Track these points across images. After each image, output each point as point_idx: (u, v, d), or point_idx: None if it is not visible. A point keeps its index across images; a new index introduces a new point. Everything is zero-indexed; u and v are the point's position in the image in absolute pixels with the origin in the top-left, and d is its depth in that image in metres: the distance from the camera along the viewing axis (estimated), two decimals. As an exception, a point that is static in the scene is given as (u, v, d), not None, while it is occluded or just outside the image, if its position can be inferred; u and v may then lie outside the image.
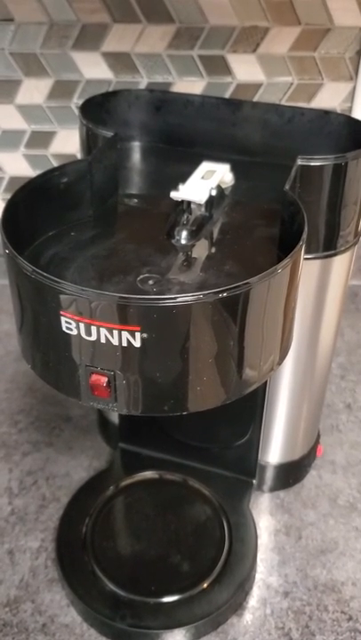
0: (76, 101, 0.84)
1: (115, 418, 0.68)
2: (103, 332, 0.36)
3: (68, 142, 0.87)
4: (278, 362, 0.43)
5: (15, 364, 0.83)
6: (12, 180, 0.90)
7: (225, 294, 0.35)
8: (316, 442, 0.69)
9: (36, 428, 0.74)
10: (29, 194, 0.44)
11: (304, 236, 0.40)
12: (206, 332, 0.37)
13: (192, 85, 0.83)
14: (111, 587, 0.56)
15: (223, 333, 0.37)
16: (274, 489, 0.67)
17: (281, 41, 0.81)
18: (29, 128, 0.86)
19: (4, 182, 0.91)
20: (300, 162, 0.46)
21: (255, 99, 0.84)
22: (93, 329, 0.36)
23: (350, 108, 0.85)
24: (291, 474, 0.67)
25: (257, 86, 0.84)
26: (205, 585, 0.57)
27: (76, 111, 0.62)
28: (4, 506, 0.65)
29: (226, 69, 0.83)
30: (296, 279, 0.41)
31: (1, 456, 0.70)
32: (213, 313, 0.36)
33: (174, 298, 0.34)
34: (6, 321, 0.90)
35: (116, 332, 0.35)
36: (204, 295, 0.35)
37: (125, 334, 0.35)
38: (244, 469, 0.66)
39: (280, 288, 0.39)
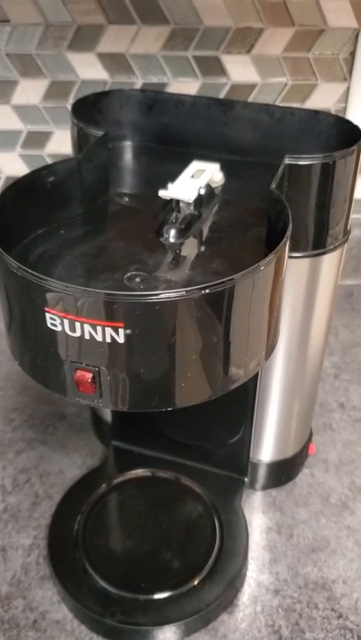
0: (72, 102, 0.85)
1: (108, 416, 0.69)
2: (87, 328, 0.36)
3: (63, 142, 0.88)
4: (265, 358, 0.43)
5: (10, 363, 0.83)
6: (9, 180, 0.91)
7: (208, 291, 0.36)
8: (309, 440, 0.69)
9: (30, 426, 0.74)
10: (18, 192, 0.45)
11: (288, 233, 0.40)
12: (190, 329, 0.37)
13: (187, 86, 0.84)
14: (102, 584, 0.56)
15: (208, 330, 0.38)
16: (266, 487, 0.67)
17: (275, 42, 0.81)
18: (25, 128, 0.87)
19: (0, 182, 0.91)
20: (287, 161, 0.47)
21: (250, 99, 0.85)
22: (77, 325, 0.36)
23: (344, 109, 0.86)
24: (283, 472, 0.67)
25: (251, 87, 0.84)
26: (196, 582, 0.57)
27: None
28: (-3, 503, 0.66)
29: (220, 70, 0.83)
30: (281, 276, 0.41)
31: (-5, 454, 0.71)
32: (197, 309, 0.36)
33: (157, 294, 0.35)
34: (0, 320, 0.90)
35: (99, 329, 0.36)
36: (187, 292, 0.35)
37: (109, 330, 0.36)
38: (236, 467, 0.66)
39: (264, 284, 0.39)
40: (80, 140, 0.54)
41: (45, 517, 0.64)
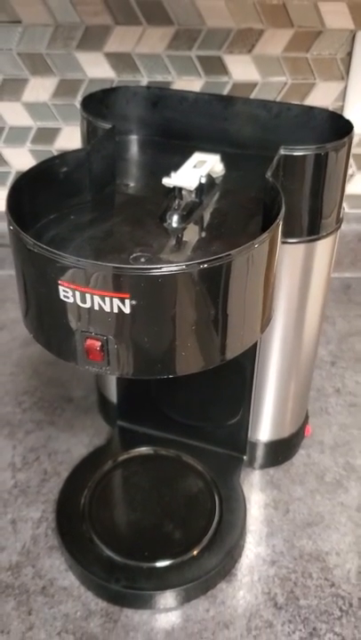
0: (80, 99, 0.88)
1: (114, 397, 0.72)
2: (96, 299, 0.39)
3: (72, 138, 0.91)
4: (260, 331, 0.47)
5: (21, 349, 0.87)
6: (19, 174, 0.94)
7: (206, 265, 0.39)
8: (305, 422, 0.72)
9: (39, 407, 0.78)
10: (32, 180, 0.48)
11: (281, 214, 0.43)
12: (190, 301, 0.40)
13: (190, 84, 0.87)
14: (107, 552, 0.59)
15: (206, 302, 0.41)
16: (264, 466, 0.70)
17: (275, 42, 0.84)
18: (35, 125, 0.91)
19: (11, 176, 0.95)
20: (282, 152, 0.50)
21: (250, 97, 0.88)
22: (88, 296, 0.39)
23: (342, 107, 0.89)
24: (280, 452, 0.70)
25: (252, 86, 0.88)
26: (196, 552, 0.60)
27: (80, 108, 0.68)
28: (7, 479, 0.69)
29: (223, 69, 0.86)
30: (274, 255, 0.44)
31: (5, 433, 0.74)
32: (196, 283, 0.40)
33: (160, 268, 0.38)
34: (12, 309, 0.94)
35: (107, 300, 0.39)
36: (187, 266, 0.39)
37: (116, 301, 0.39)
38: (236, 446, 0.69)
39: (259, 261, 0.43)
40: (89, 133, 0.57)
41: (53, 493, 0.67)
